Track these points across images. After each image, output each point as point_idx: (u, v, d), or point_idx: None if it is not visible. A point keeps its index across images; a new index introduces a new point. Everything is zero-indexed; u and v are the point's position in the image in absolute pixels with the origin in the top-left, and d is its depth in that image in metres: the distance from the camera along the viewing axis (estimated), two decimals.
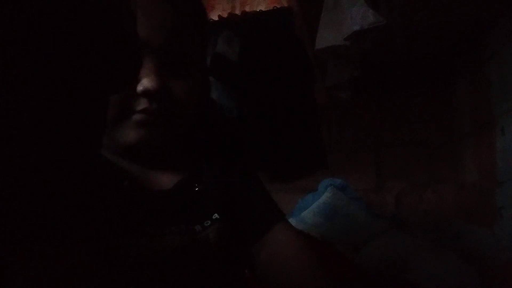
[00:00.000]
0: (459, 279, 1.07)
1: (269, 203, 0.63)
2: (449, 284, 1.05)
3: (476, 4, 1.27)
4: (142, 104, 0.49)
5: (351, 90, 1.42)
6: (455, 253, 1.15)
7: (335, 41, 1.12)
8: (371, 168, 1.80)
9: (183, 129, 0.56)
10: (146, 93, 0.49)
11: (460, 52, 1.64)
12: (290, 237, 0.59)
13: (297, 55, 1.39)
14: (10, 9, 0.26)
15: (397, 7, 1.15)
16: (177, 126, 0.54)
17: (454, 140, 1.74)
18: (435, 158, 1.76)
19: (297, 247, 0.59)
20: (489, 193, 1.41)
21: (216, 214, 0.54)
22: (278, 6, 1.45)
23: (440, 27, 1.44)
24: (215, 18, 1.46)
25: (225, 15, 1.46)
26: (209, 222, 0.53)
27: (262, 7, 1.48)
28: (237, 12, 1.49)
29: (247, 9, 1.49)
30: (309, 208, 1.31)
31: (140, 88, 0.49)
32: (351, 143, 1.83)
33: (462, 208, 1.67)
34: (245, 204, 0.60)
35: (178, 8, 0.51)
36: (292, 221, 1.24)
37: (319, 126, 1.47)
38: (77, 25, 0.29)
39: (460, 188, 1.69)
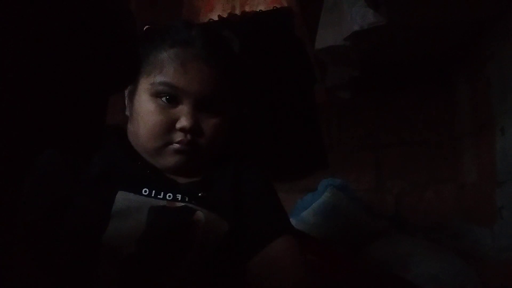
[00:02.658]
0: (459, 279, 1.07)
1: (276, 214, 0.69)
2: (449, 284, 1.05)
3: (476, 4, 1.27)
4: (179, 136, 0.65)
5: (351, 90, 1.42)
6: (455, 253, 1.15)
7: (335, 41, 1.12)
8: (371, 168, 1.81)
9: (212, 154, 0.70)
10: (182, 129, 0.64)
11: (460, 52, 1.64)
12: (286, 253, 0.64)
13: (297, 55, 1.39)
14: (11, 11, 0.26)
15: (397, 7, 1.15)
16: (207, 153, 0.69)
17: (454, 140, 1.74)
18: (435, 158, 1.76)
19: (289, 263, 0.63)
20: (489, 193, 1.41)
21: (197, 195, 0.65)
22: (278, 6, 1.44)
23: (440, 27, 1.44)
24: (215, 18, 1.46)
25: (225, 15, 1.46)
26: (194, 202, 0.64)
27: (262, 7, 1.47)
28: (237, 12, 1.48)
29: (247, 9, 1.49)
30: (309, 208, 1.31)
31: (178, 125, 0.64)
32: (351, 143, 1.83)
33: (462, 208, 1.67)
34: (251, 213, 0.67)
35: (211, 65, 0.66)
36: (292, 221, 1.24)
37: (319, 126, 1.47)
38: (77, 26, 0.29)
39: (460, 188, 1.69)
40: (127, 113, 0.71)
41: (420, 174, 1.75)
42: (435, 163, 1.75)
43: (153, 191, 0.62)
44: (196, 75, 0.65)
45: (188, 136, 0.65)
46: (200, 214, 0.60)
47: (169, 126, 0.64)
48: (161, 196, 0.62)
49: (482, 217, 1.47)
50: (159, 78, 0.64)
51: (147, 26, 0.73)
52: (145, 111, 0.66)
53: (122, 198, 0.60)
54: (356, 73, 1.29)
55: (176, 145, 0.65)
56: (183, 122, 0.64)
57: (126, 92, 0.72)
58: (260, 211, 0.68)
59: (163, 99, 0.65)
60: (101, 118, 0.36)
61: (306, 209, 1.31)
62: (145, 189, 0.62)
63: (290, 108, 1.40)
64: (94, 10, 0.30)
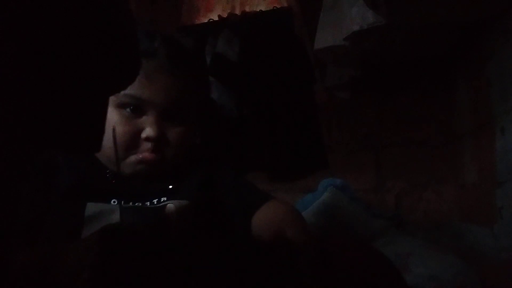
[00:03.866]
0: (459, 279, 1.07)
1: (259, 192, 0.72)
2: (449, 284, 1.05)
3: (476, 4, 1.27)
4: (145, 146, 0.66)
5: (351, 90, 1.42)
6: (455, 253, 1.15)
7: (335, 42, 1.12)
8: (371, 168, 1.81)
9: (177, 162, 0.71)
10: (148, 139, 0.65)
11: (460, 52, 1.64)
12: (280, 206, 0.66)
13: (297, 55, 1.39)
14: (11, 10, 0.26)
15: (397, 7, 1.15)
16: (172, 161, 0.69)
17: (454, 140, 1.74)
18: (435, 158, 1.76)
19: (285, 209, 0.64)
20: (489, 193, 1.41)
21: (164, 198, 0.66)
22: (278, 6, 1.44)
23: (440, 27, 1.44)
24: (215, 18, 1.46)
25: (225, 15, 1.46)
26: (165, 199, 0.65)
27: (262, 7, 1.47)
28: (237, 12, 1.49)
29: (247, 9, 1.49)
30: (309, 208, 1.31)
31: (143, 135, 0.65)
32: (351, 143, 1.83)
33: (462, 208, 1.67)
34: (232, 198, 0.69)
35: (175, 76, 0.67)
36: None
37: (319, 126, 1.47)
38: (77, 25, 0.29)
39: (460, 188, 1.69)
40: None
41: (420, 174, 1.75)
42: (435, 163, 1.75)
43: (122, 202, 0.63)
44: (161, 86, 0.65)
45: (153, 147, 0.66)
46: (170, 206, 0.62)
47: (135, 136, 0.65)
48: (130, 205, 0.63)
49: (482, 217, 1.47)
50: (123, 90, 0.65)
51: None
52: (109, 121, 0.65)
53: (93, 206, 0.60)
54: (356, 73, 1.29)
55: (141, 155, 0.66)
56: (148, 132, 0.65)
57: None
58: (242, 193, 0.70)
59: (128, 109, 0.65)
60: (101, 118, 0.36)
61: (306, 209, 1.30)
62: (113, 200, 0.63)
63: (290, 108, 1.40)
64: (93, 10, 0.30)
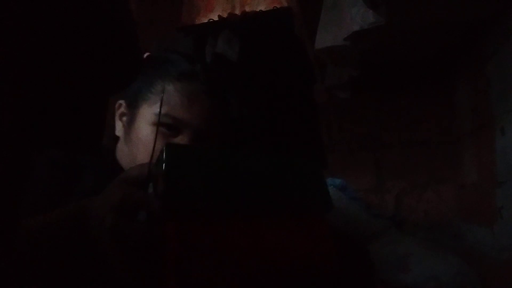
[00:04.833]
0: (459, 279, 1.07)
1: None
2: (449, 284, 1.06)
3: (476, 4, 1.27)
4: None
5: (351, 90, 1.42)
6: (455, 253, 1.15)
7: (335, 42, 1.12)
8: (371, 168, 1.81)
9: None
10: None
11: (460, 52, 1.64)
12: None
13: (297, 55, 1.39)
14: (10, 10, 0.26)
15: (397, 7, 1.15)
16: None
17: (454, 140, 1.74)
18: (435, 158, 1.76)
19: None
20: (489, 193, 1.41)
21: None
22: (278, 6, 1.44)
23: (440, 27, 1.44)
24: (215, 18, 1.46)
25: (225, 15, 1.46)
26: None
27: (262, 7, 1.47)
28: (237, 12, 1.49)
29: (247, 9, 1.49)
30: None
31: None
32: (351, 143, 1.83)
33: (462, 208, 1.67)
34: None
35: (213, 100, 0.70)
36: None
37: (319, 126, 1.47)
38: (76, 25, 0.29)
39: (460, 188, 1.69)
40: (118, 134, 0.73)
41: (420, 174, 1.75)
42: (435, 163, 1.75)
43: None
44: (199, 109, 0.68)
45: None
46: None
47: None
48: None
49: (482, 217, 1.47)
50: (164, 110, 0.67)
51: (147, 54, 0.74)
52: (146, 137, 0.68)
53: None
54: (356, 73, 1.29)
55: None
56: None
57: (117, 114, 0.74)
58: None
59: (164, 128, 0.67)
60: (101, 118, 0.36)
61: None
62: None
63: (289, 108, 1.40)
64: (93, 10, 0.30)
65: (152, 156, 0.64)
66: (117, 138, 0.74)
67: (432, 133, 1.78)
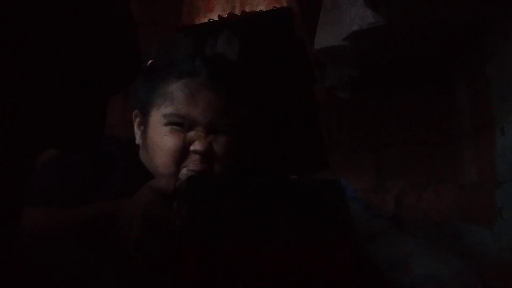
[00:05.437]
0: (459, 279, 1.07)
1: None
2: (449, 284, 1.05)
3: (476, 4, 1.27)
4: (194, 158, 0.69)
5: (351, 90, 1.42)
6: (455, 253, 1.15)
7: (334, 42, 1.12)
8: (371, 168, 1.81)
9: (224, 168, 0.74)
10: (196, 152, 0.69)
11: (460, 52, 1.64)
12: None
13: (297, 55, 1.39)
14: (10, 10, 0.26)
15: (397, 7, 1.15)
16: (220, 168, 0.73)
17: (454, 140, 1.74)
18: (435, 158, 1.76)
19: None
20: (489, 193, 1.41)
21: None
22: (278, 6, 1.44)
23: (440, 27, 1.44)
24: (215, 18, 1.46)
25: (225, 15, 1.46)
26: None
27: (262, 7, 1.48)
28: (237, 12, 1.49)
29: (247, 9, 1.49)
30: None
31: (192, 148, 0.69)
32: (351, 143, 1.83)
33: (462, 208, 1.67)
34: None
35: (217, 93, 0.71)
36: None
37: (319, 126, 1.47)
38: (76, 25, 0.29)
39: (460, 188, 1.69)
40: (138, 142, 0.76)
41: (420, 174, 1.75)
42: (435, 163, 1.75)
43: None
44: (205, 103, 0.70)
45: (201, 158, 0.69)
46: None
47: (184, 150, 0.69)
48: None
49: (482, 217, 1.47)
50: (170, 110, 0.69)
51: (151, 61, 0.76)
52: (160, 139, 0.70)
53: None
54: (356, 73, 1.29)
55: (191, 168, 0.69)
56: (197, 146, 0.68)
57: (136, 121, 0.77)
58: None
59: (176, 127, 0.69)
60: (101, 118, 0.36)
61: None
62: None
63: (290, 108, 1.40)
64: (93, 9, 0.30)
65: (177, 167, 0.68)
66: (138, 147, 0.77)
67: (432, 133, 1.78)
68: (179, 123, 0.69)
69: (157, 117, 0.70)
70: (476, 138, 1.56)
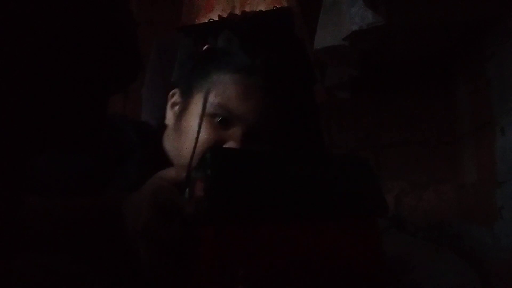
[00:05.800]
0: (459, 279, 1.07)
1: None
2: (449, 284, 1.05)
3: (476, 4, 1.27)
4: None
5: (351, 90, 1.42)
6: (455, 253, 1.15)
7: (334, 41, 1.12)
8: None
9: None
10: None
11: (460, 52, 1.64)
12: None
13: (297, 55, 1.39)
14: (10, 10, 0.26)
15: (396, 7, 1.15)
16: None
17: (454, 140, 1.74)
18: (435, 158, 1.76)
19: None
20: (489, 193, 1.41)
21: None
22: (278, 6, 1.44)
23: (440, 27, 1.44)
24: (215, 18, 1.46)
25: (225, 15, 1.46)
26: None
27: (262, 7, 1.48)
28: (237, 12, 1.49)
29: (247, 9, 1.49)
30: None
31: (227, 146, 0.63)
32: (351, 143, 1.83)
33: (462, 208, 1.67)
34: None
35: (270, 96, 0.67)
36: None
37: (319, 126, 1.47)
38: (76, 25, 0.29)
39: (460, 188, 1.69)
40: (168, 122, 0.71)
41: (420, 174, 1.75)
42: (435, 163, 1.75)
43: None
44: (255, 103, 0.65)
45: None
46: None
47: (217, 145, 0.64)
48: None
49: (482, 217, 1.47)
50: (218, 100, 0.64)
51: (207, 46, 0.73)
52: (196, 127, 0.62)
53: None
54: (356, 73, 1.29)
55: None
56: (231, 145, 0.64)
57: (171, 100, 0.71)
58: None
59: (216, 119, 0.64)
60: (101, 118, 0.36)
61: None
62: None
63: (290, 108, 1.39)
64: (93, 10, 0.30)
65: (192, 156, 0.62)
66: (165, 128, 0.72)
67: (432, 133, 1.78)
68: (222, 116, 0.64)
69: (201, 103, 0.64)
70: (476, 138, 1.56)
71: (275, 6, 1.45)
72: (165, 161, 0.68)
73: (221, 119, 0.64)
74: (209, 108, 0.64)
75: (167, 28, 1.69)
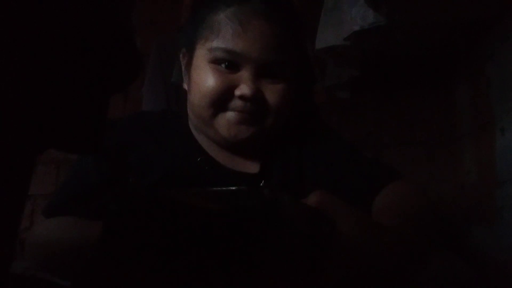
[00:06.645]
0: (459, 279, 1.07)
1: (375, 168, 0.62)
2: (449, 284, 1.05)
3: (476, 4, 1.27)
4: (239, 104, 0.58)
5: (351, 90, 1.42)
6: (455, 253, 1.15)
7: (335, 41, 1.12)
8: None
9: (278, 127, 0.62)
10: (242, 97, 0.57)
11: (460, 52, 1.64)
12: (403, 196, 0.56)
13: (297, 55, 1.39)
14: (10, 10, 0.26)
15: (397, 7, 1.15)
16: (272, 125, 0.61)
17: (454, 140, 1.74)
18: (435, 158, 1.75)
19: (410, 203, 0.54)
20: (489, 193, 1.41)
21: None
22: None
23: (440, 27, 1.44)
24: None
25: None
26: None
27: None
28: None
29: None
30: None
31: (238, 92, 0.57)
32: (351, 143, 1.83)
33: (462, 208, 1.67)
34: (339, 174, 0.60)
35: (273, 23, 0.58)
36: None
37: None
38: (77, 26, 0.29)
39: (460, 188, 1.69)
40: (185, 85, 0.65)
41: (420, 174, 1.75)
42: (435, 163, 1.75)
43: None
44: (257, 35, 0.57)
45: (249, 106, 0.58)
46: None
47: (228, 93, 0.58)
48: None
49: (482, 217, 1.47)
50: (216, 43, 0.58)
51: None
52: (201, 78, 0.58)
53: None
54: (356, 73, 1.29)
55: (236, 113, 0.58)
56: (243, 90, 0.57)
57: (183, 62, 0.66)
58: (355, 172, 0.60)
59: (222, 65, 0.58)
60: (102, 118, 0.36)
61: None
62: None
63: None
64: (93, 9, 0.30)
65: (216, 111, 0.57)
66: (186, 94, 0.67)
67: (432, 133, 1.78)
68: (226, 60, 0.57)
69: (202, 51, 0.60)
70: (476, 138, 1.56)
71: None
72: (190, 143, 0.63)
73: (226, 64, 0.58)
74: (210, 55, 0.58)
75: (167, 28, 1.69)
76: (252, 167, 0.62)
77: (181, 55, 0.67)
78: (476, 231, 1.42)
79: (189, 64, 0.64)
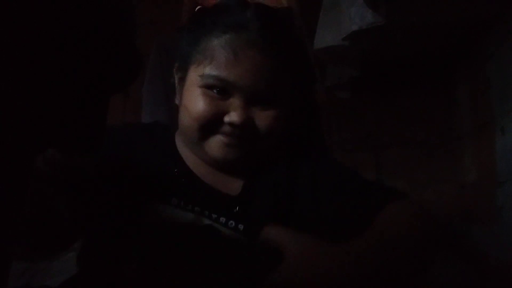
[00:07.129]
0: (459, 279, 1.07)
1: (371, 190, 0.62)
2: (449, 284, 1.05)
3: (476, 4, 1.27)
4: (228, 129, 0.58)
5: (351, 90, 1.42)
6: (455, 253, 1.15)
7: (334, 41, 1.12)
8: (371, 168, 1.80)
9: (267, 152, 0.63)
10: (231, 124, 0.58)
11: (460, 52, 1.64)
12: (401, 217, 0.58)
13: (297, 55, 1.39)
14: (10, 10, 0.26)
15: (396, 7, 1.15)
16: (261, 148, 0.61)
17: (454, 140, 1.74)
18: (435, 158, 1.75)
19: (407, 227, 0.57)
20: (489, 193, 1.41)
21: (241, 225, 0.57)
22: (278, 6, 1.44)
23: (440, 26, 1.44)
24: None
25: None
26: (233, 223, 0.57)
27: None
28: None
29: None
30: None
31: (227, 119, 0.58)
32: (351, 143, 1.83)
33: (462, 208, 1.67)
34: (330, 198, 0.60)
35: (268, 54, 0.58)
36: None
37: (320, 127, 1.47)
38: (78, 27, 0.29)
39: (460, 188, 1.69)
40: (177, 101, 0.65)
41: (420, 174, 1.75)
42: (435, 163, 1.75)
43: (182, 202, 0.57)
44: (250, 65, 0.57)
45: (237, 132, 0.58)
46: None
47: (218, 119, 0.58)
48: (189, 208, 0.56)
49: (482, 217, 1.47)
50: (208, 71, 0.58)
51: (199, 7, 0.66)
52: (192, 101, 0.59)
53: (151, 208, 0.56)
54: (356, 73, 1.29)
55: (225, 137, 0.59)
56: (232, 117, 0.57)
57: (177, 78, 0.66)
58: (349, 194, 0.60)
59: (214, 91, 0.58)
60: (102, 118, 0.36)
61: None
62: (174, 199, 0.57)
63: (290, 108, 1.39)
64: (93, 9, 0.30)
65: (203, 134, 0.58)
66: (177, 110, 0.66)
67: (432, 133, 1.78)
68: (217, 87, 0.58)
69: (194, 76, 0.60)
70: (476, 138, 1.56)
71: (275, 6, 1.45)
72: (173, 154, 0.63)
73: (218, 90, 0.58)
74: (201, 81, 0.59)
75: (167, 28, 1.69)
76: (234, 187, 0.62)
77: (174, 69, 0.67)
78: (476, 231, 1.43)
79: (181, 81, 0.64)
